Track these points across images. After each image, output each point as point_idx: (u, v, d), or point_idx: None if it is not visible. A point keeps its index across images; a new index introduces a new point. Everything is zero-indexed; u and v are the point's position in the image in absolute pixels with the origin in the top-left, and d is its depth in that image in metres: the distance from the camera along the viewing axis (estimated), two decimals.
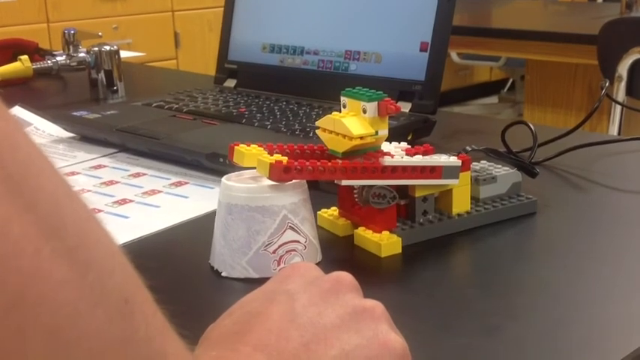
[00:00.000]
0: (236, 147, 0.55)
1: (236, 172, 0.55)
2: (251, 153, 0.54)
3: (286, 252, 0.52)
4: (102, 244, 0.25)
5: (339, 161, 0.57)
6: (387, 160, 0.55)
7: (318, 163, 0.53)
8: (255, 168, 0.53)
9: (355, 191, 0.58)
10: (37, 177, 0.23)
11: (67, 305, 0.23)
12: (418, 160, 0.57)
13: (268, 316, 0.34)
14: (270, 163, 0.51)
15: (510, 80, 4.16)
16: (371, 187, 0.56)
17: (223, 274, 0.53)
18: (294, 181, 0.53)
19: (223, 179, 0.53)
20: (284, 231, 0.52)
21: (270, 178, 0.52)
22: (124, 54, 1.42)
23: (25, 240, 0.22)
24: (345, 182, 0.55)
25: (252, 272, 0.52)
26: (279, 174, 0.51)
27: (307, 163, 0.53)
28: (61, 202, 0.24)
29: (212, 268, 0.54)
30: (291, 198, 0.52)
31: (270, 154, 0.54)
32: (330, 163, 0.54)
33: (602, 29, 1.85)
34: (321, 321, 0.34)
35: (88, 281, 0.23)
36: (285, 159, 0.52)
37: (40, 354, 0.22)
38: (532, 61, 2.50)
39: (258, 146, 0.55)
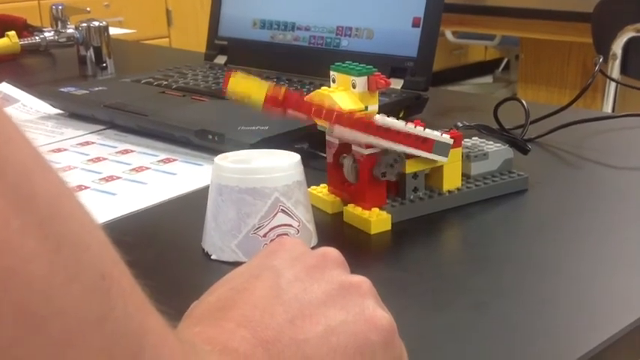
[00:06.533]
0: (232, 74, 0.52)
1: (229, 153, 0.53)
2: (247, 80, 0.52)
3: (277, 236, 0.50)
4: (76, 216, 0.24)
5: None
6: (380, 120, 0.54)
7: (315, 102, 0.52)
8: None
9: (344, 167, 0.57)
10: (5, 145, 0.22)
11: (39, 280, 0.22)
12: (411, 128, 0.56)
13: (253, 292, 0.33)
14: (267, 93, 0.50)
15: (505, 60, 4.15)
16: (380, 163, 0.54)
17: (213, 257, 0.51)
18: (287, 163, 0.51)
19: (215, 159, 0.52)
20: (275, 214, 0.50)
21: (265, 105, 0.50)
22: (115, 31, 1.40)
23: None
24: (337, 130, 0.53)
25: (241, 256, 0.50)
26: (275, 101, 0.49)
27: (305, 98, 0.51)
28: (32, 172, 0.23)
29: (203, 250, 0.53)
30: (284, 180, 0.50)
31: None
32: (326, 106, 0.53)
33: (597, 7, 1.84)
34: (307, 297, 0.33)
35: (61, 255, 0.23)
36: (283, 88, 0.51)
37: (11, 332, 0.21)
38: (526, 40, 2.48)
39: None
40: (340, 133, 0.54)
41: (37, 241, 0.22)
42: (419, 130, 0.56)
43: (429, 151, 0.57)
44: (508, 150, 0.64)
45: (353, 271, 0.36)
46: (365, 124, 0.53)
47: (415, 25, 0.83)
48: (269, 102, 0.49)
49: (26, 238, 0.21)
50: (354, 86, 0.55)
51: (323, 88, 0.56)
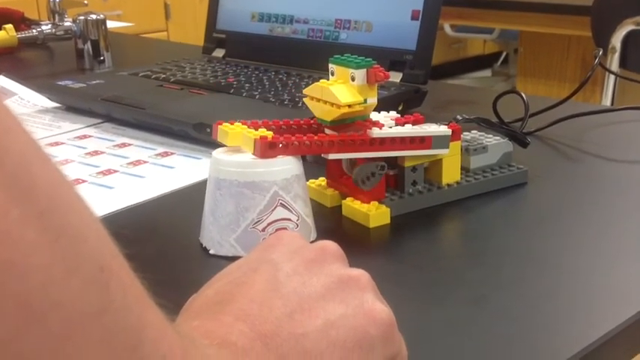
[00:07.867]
0: (219, 126, 0.54)
1: (227, 147, 0.53)
2: (235, 131, 0.52)
3: (276, 230, 0.50)
4: (75, 208, 0.24)
5: (327, 131, 0.56)
6: (375, 132, 0.54)
7: (304, 138, 0.52)
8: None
9: (342, 161, 0.57)
10: (4, 135, 0.22)
11: (39, 272, 0.22)
12: (407, 130, 0.56)
13: (251, 286, 0.33)
14: (255, 139, 0.50)
15: (504, 53, 4.14)
16: (359, 170, 0.54)
17: (211, 251, 0.51)
18: (286, 156, 0.51)
19: (213, 153, 0.52)
20: (274, 208, 0.50)
21: (255, 154, 0.50)
22: (113, 24, 1.40)
23: None
24: (332, 156, 0.54)
25: (240, 250, 0.50)
26: (265, 150, 0.50)
27: (293, 138, 0.51)
28: (31, 163, 0.23)
29: (201, 245, 0.53)
30: (283, 174, 0.50)
31: (255, 130, 0.53)
32: (316, 137, 0.53)
33: (596, 0, 1.84)
34: (306, 290, 0.33)
35: (60, 247, 0.22)
36: (270, 134, 0.51)
37: (10, 326, 0.21)
38: (526, 33, 2.48)
39: (242, 123, 0.54)
40: (337, 155, 0.54)
41: (37, 232, 0.22)
42: (414, 131, 0.56)
43: (429, 148, 0.57)
44: (507, 143, 0.64)
45: (352, 265, 0.36)
46: (359, 144, 0.54)
47: (414, 17, 0.83)
48: (258, 150, 0.50)
49: (26, 229, 0.21)
50: (352, 79, 0.54)
51: (322, 80, 0.56)
